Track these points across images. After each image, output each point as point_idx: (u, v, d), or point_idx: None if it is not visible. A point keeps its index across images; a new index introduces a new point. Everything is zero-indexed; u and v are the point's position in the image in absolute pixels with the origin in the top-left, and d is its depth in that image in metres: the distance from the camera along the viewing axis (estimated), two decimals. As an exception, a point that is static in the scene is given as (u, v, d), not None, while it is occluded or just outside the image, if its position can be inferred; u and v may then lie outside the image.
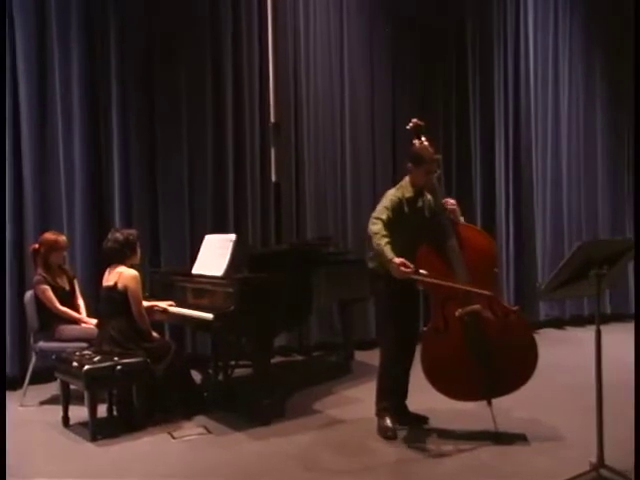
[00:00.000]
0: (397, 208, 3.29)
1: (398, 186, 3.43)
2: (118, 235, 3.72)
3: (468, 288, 3.19)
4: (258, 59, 5.32)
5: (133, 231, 3.83)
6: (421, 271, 3.08)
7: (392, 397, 3.46)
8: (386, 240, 3.13)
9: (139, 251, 3.80)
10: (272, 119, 5.43)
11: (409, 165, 3.41)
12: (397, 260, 3.06)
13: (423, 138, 3.51)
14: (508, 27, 6.23)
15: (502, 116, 6.21)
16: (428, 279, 3.12)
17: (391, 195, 3.35)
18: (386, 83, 5.82)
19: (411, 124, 3.56)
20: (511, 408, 3.54)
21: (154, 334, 3.80)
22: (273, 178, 5.45)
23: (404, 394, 3.54)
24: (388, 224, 3.20)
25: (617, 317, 6.49)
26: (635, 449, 2.58)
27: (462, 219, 3.42)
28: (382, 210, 3.28)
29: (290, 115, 5.45)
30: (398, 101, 5.80)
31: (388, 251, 3.10)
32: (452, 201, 3.38)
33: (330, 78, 5.63)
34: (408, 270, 3.05)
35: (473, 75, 6.08)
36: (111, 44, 4.81)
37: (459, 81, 6.05)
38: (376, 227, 3.19)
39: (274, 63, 5.42)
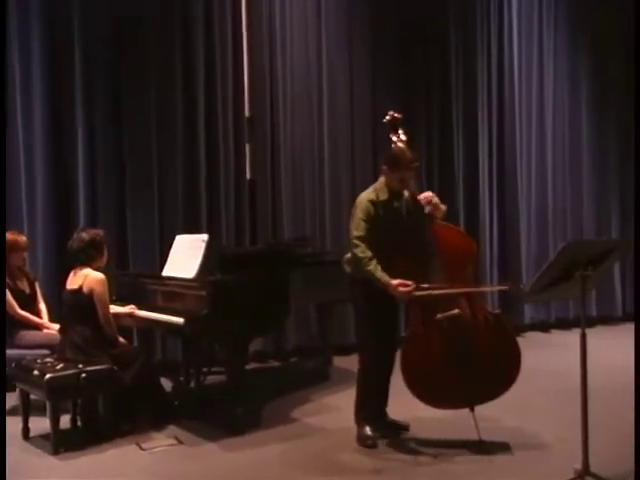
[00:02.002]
0: (372, 213, 3.27)
1: (372, 188, 3.38)
2: (84, 235, 3.68)
3: (480, 289, 3.20)
4: (231, 50, 5.30)
5: (100, 231, 3.79)
6: (423, 285, 3.10)
7: (372, 405, 3.47)
8: (375, 262, 3.16)
9: (106, 252, 3.77)
10: (247, 113, 5.41)
11: (384, 167, 3.35)
12: (394, 282, 3.10)
13: (401, 132, 3.47)
14: (492, 18, 6.28)
15: (486, 113, 6.26)
16: (435, 291, 3.13)
17: (365, 201, 3.29)
18: (366, 77, 5.84)
19: (388, 117, 3.51)
20: (494, 415, 3.57)
21: (121, 340, 3.77)
22: (248, 175, 5.42)
23: (384, 401, 3.55)
24: (368, 237, 3.21)
25: (603, 320, 6.61)
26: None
27: (445, 207, 3.38)
28: (359, 224, 3.24)
29: (265, 109, 5.43)
30: (378, 95, 5.82)
31: (382, 275, 3.14)
32: (426, 195, 3.32)
33: (307, 70, 5.63)
34: (409, 289, 3.08)
35: (456, 70, 6.12)
36: (75, 32, 4.75)
37: (442, 77, 6.08)
38: (359, 250, 3.20)
39: (249, 54, 5.40)
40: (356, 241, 3.24)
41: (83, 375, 3.42)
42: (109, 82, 4.90)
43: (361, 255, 3.20)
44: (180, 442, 3.49)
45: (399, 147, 3.39)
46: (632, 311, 6.75)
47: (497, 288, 3.24)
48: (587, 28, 6.75)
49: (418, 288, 3.10)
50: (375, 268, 3.15)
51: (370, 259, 3.17)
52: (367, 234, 3.22)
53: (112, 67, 4.91)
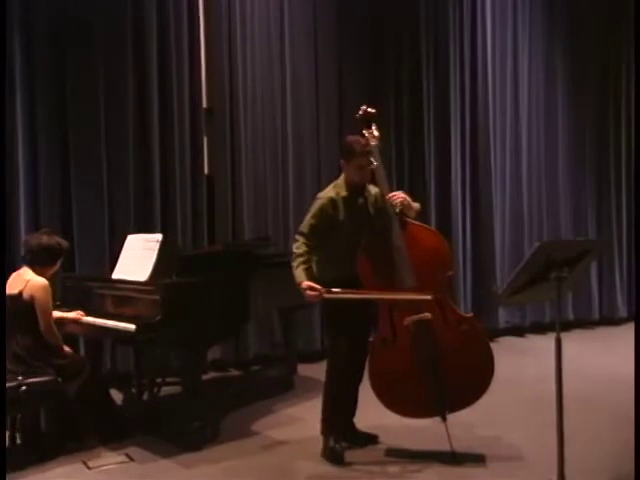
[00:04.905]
0: (329, 211, 3.34)
1: (333, 185, 3.47)
2: (44, 238, 3.59)
3: (400, 297, 3.22)
4: (188, 35, 5.23)
5: (65, 242, 3.71)
6: (334, 289, 3.16)
7: (339, 414, 3.47)
8: (300, 260, 3.26)
9: (58, 266, 3.69)
10: (204, 104, 5.37)
11: (341, 161, 3.44)
12: (303, 284, 3.18)
13: (374, 127, 3.51)
14: (464, 6, 6.34)
15: (458, 107, 6.30)
16: (344, 295, 3.17)
17: (321, 198, 3.39)
18: (332, 67, 5.83)
19: (360, 112, 3.55)
20: (468, 424, 3.62)
21: (66, 349, 3.69)
22: (206, 170, 5.39)
23: (352, 411, 3.56)
24: (315, 235, 3.32)
25: (580, 323, 6.75)
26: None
27: (417, 205, 3.42)
28: (307, 222, 3.37)
29: (225, 99, 5.40)
30: (345, 88, 5.83)
31: (298, 274, 3.24)
32: (398, 194, 3.34)
33: (270, 59, 5.60)
34: (315, 293, 3.15)
35: (427, 62, 6.14)
36: (14, 20, 4.63)
37: (412, 69, 6.10)
38: (295, 245, 3.34)
39: (206, 41, 5.36)
40: (296, 236, 3.38)
41: (23, 387, 3.34)
42: (53, 73, 4.78)
43: (294, 250, 3.33)
44: (131, 459, 3.45)
45: (350, 136, 3.47)
46: (609, 314, 6.93)
47: (420, 297, 3.24)
48: (563, 15, 6.87)
49: (328, 292, 3.16)
50: (297, 265, 3.25)
51: (298, 256, 3.28)
52: (310, 232, 3.33)
53: (56, 58, 4.79)
